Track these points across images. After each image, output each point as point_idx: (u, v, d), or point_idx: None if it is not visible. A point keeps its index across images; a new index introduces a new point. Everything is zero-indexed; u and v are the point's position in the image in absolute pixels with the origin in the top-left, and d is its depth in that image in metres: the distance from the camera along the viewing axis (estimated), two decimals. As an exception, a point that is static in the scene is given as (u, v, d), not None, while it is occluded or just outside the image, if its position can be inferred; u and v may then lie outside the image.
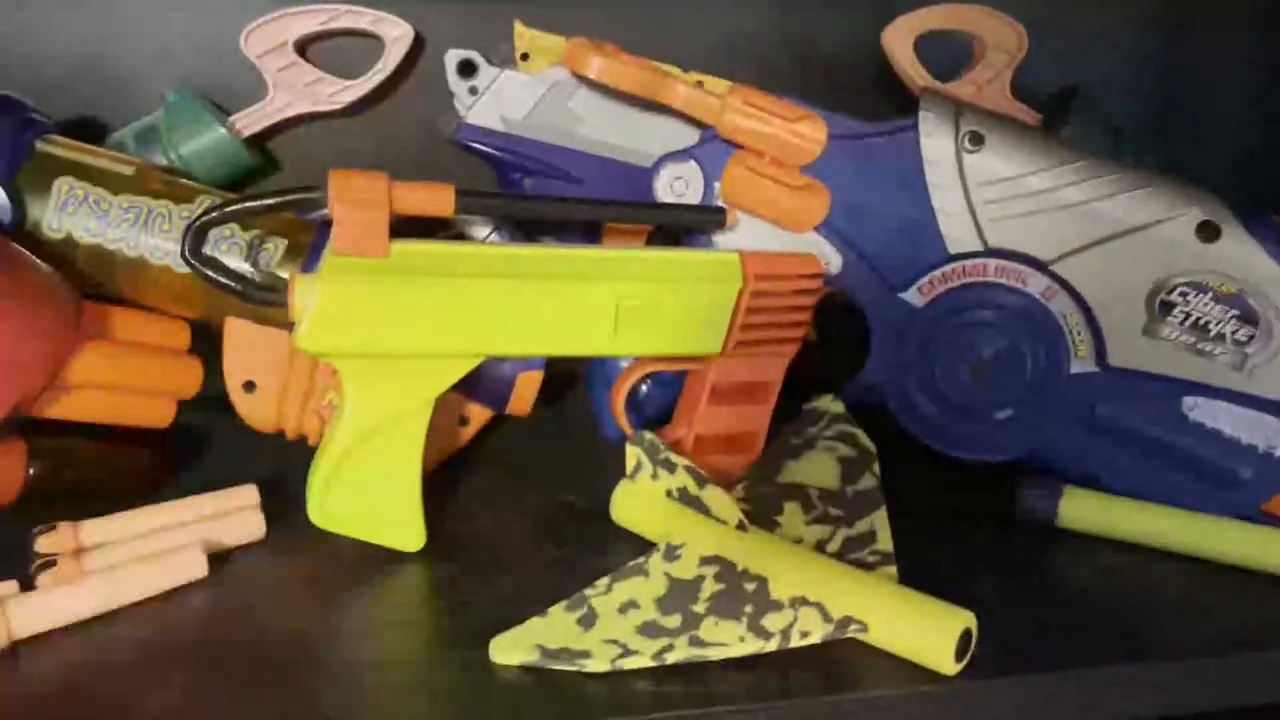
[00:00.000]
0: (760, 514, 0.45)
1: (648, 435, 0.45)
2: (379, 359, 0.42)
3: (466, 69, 0.57)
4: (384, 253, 0.42)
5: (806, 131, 0.48)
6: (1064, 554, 0.46)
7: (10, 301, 0.42)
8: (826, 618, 0.37)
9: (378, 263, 0.42)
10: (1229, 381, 0.46)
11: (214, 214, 0.41)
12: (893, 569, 0.42)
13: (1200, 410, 0.47)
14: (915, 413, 0.51)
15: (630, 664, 0.36)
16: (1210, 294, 0.46)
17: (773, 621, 0.37)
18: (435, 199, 0.43)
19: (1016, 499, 0.48)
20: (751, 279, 0.46)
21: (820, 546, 0.43)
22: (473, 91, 0.57)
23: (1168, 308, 0.46)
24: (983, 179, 0.47)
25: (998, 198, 0.47)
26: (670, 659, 0.36)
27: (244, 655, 0.38)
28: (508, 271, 0.43)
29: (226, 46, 0.58)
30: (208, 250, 0.48)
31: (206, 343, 0.51)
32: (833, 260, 0.50)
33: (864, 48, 0.64)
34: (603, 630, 0.38)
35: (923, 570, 0.44)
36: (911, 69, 0.57)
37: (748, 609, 0.38)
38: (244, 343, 0.49)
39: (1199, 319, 0.46)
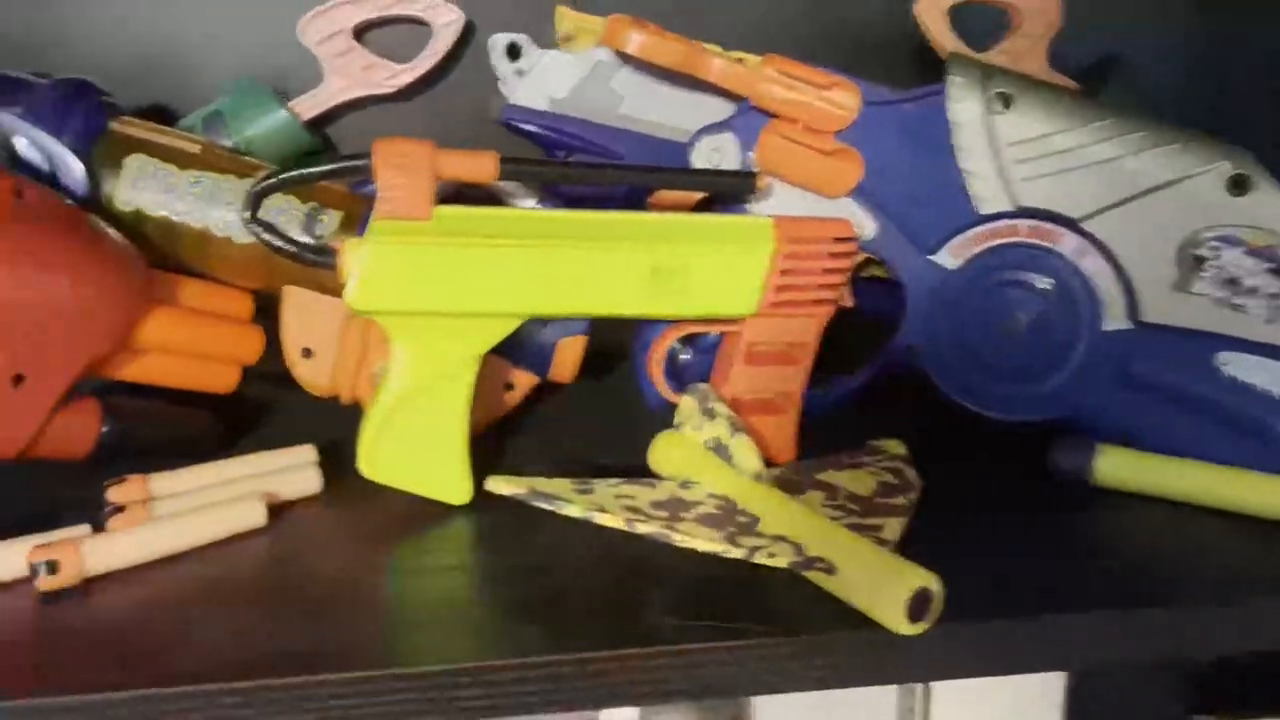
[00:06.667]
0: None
1: (702, 386, 0.47)
2: (424, 317, 0.45)
3: (513, 52, 0.59)
4: (427, 216, 0.44)
5: (839, 98, 0.49)
6: (1097, 510, 0.47)
7: (85, 267, 0.45)
8: (799, 553, 0.39)
9: (421, 225, 0.44)
10: (1262, 335, 0.46)
11: (271, 180, 0.44)
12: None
13: (1233, 365, 0.47)
14: (950, 375, 0.51)
15: (603, 519, 0.40)
16: (1242, 247, 0.46)
17: (746, 540, 0.39)
18: (477, 165, 0.45)
19: (1051, 458, 0.48)
20: (784, 242, 0.47)
21: None
22: (519, 73, 0.59)
23: (1199, 262, 0.47)
24: (1012, 139, 0.48)
25: (1027, 157, 0.48)
26: (640, 529, 0.39)
27: (298, 595, 0.40)
28: (545, 234, 0.45)
29: (285, 35, 0.60)
30: (267, 218, 0.50)
31: (267, 318, 0.54)
32: (866, 225, 0.51)
33: (899, 23, 0.65)
34: (592, 498, 0.41)
35: (954, 529, 0.45)
36: (945, 40, 0.58)
37: (730, 529, 0.40)
38: (302, 310, 0.52)
39: (1231, 273, 0.46)
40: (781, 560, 0.38)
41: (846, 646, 0.37)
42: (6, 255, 0.42)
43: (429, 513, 0.47)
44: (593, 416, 0.60)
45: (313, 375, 0.53)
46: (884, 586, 0.36)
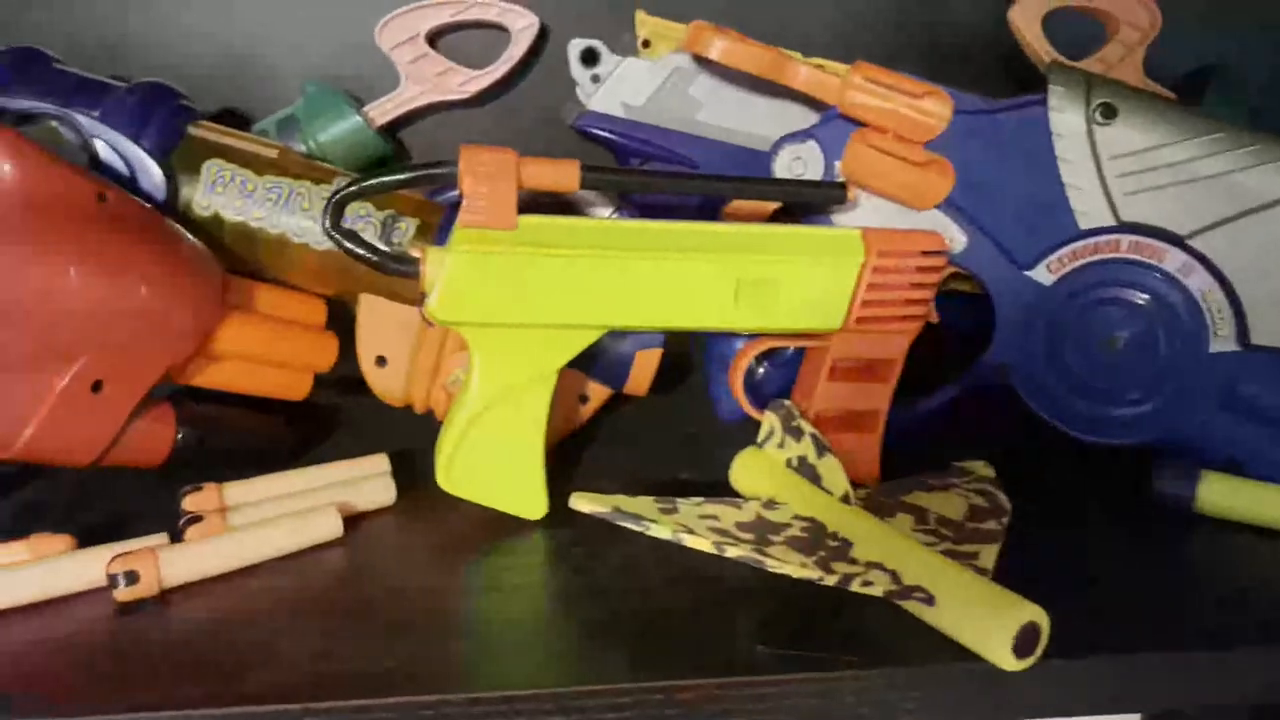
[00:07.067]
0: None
1: (786, 403, 0.46)
2: (505, 328, 0.44)
3: (589, 57, 0.58)
4: (511, 225, 0.43)
5: (931, 107, 0.47)
6: (1200, 540, 0.45)
7: (164, 272, 0.44)
8: (895, 580, 0.37)
9: (505, 235, 0.43)
10: (1382, 360, 0.44)
11: (353, 188, 0.43)
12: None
13: (1350, 391, 0.45)
14: (1044, 394, 0.49)
15: (691, 541, 0.38)
16: (1363, 268, 0.44)
17: (840, 566, 0.38)
18: (561, 173, 0.44)
19: (1152, 484, 0.46)
20: (873, 254, 0.46)
21: None
22: (595, 80, 0.58)
23: (1315, 282, 0.45)
24: (1116, 152, 0.46)
25: (1132, 170, 0.46)
26: (729, 553, 0.38)
27: (375, 612, 0.39)
28: (630, 245, 0.44)
29: (360, 40, 0.60)
30: (345, 225, 0.50)
31: (338, 325, 0.54)
32: (957, 238, 0.49)
33: (986, 29, 0.63)
34: (678, 518, 0.39)
35: (1049, 556, 0.43)
36: (1039, 47, 0.56)
37: (821, 553, 0.39)
38: (377, 318, 0.51)
39: (1350, 294, 0.44)
40: (878, 589, 0.36)
41: (946, 680, 0.36)
42: (90, 260, 0.42)
43: (503, 527, 0.46)
44: (661, 429, 0.59)
45: (387, 384, 0.52)
46: (989, 621, 0.35)
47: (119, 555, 0.39)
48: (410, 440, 0.53)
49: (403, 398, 0.53)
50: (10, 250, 0.40)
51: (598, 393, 0.54)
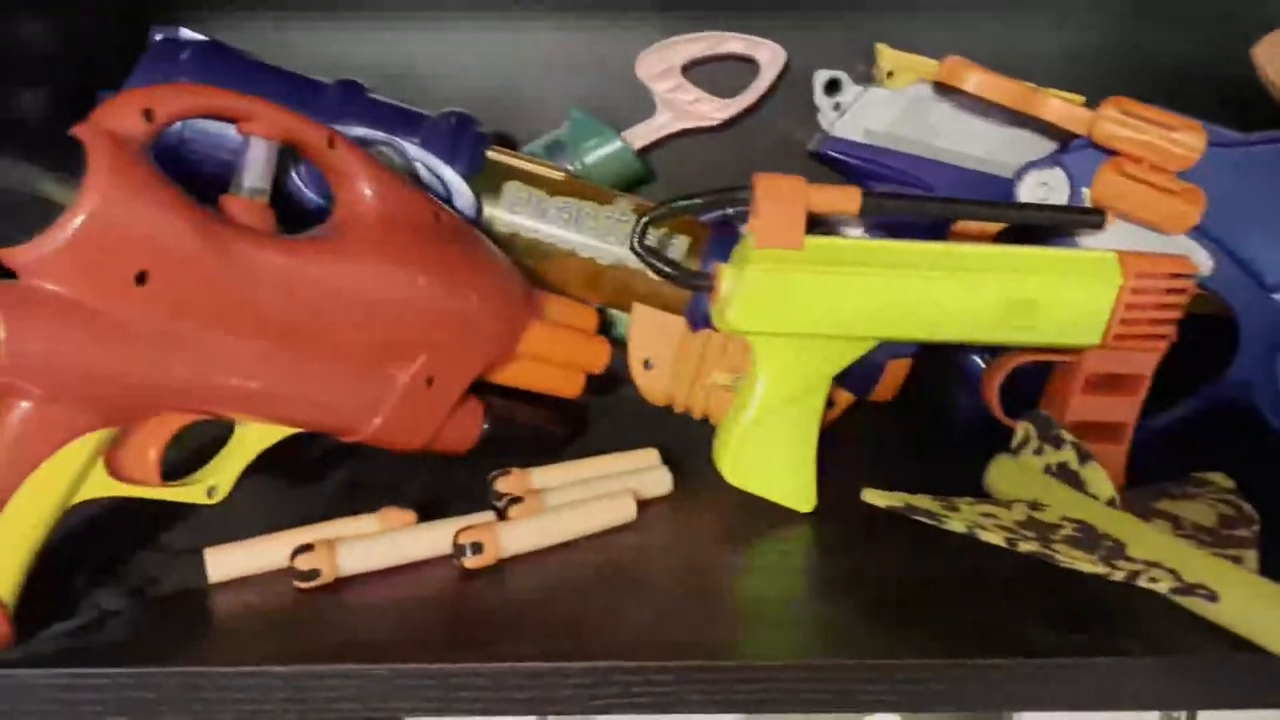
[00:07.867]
0: None
1: (1042, 413, 0.49)
2: (790, 338, 0.48)
3: (832, 87, 0.63)
4: (798, 245, 0.48)
5: (1185, 139, 0.50)
6: None
7: (488, 283, 0.50)
8: (1178, 579, 0.40)
9: (793, 254, 0.48)
10: None
11: (661, 210, 0.48)
12: None
13: None
14: (1286, 412, 0.52)
15: (985, 536, 0.41)
16: None
17: (1123, 564, 0.41)
18: (844, 198, 0.48)
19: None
20: (1130, 276, 0.49)
21: None
22: (837, 108, 0.63)
23: None
24: (1374, 183, 0.48)
25: (1390, 201, 0.48)
26: (1021, 548, 0.41)
27: (667, 583, 0.44)
28: (905, 263, 0.48)
29: (616, 71, 0.65)
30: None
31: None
32: (1204, 262, 0.52)
33: (1202, 63, 0.66)
34: (963, 515, 0.43)
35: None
36: (1280, 81, 0.58)
37: (1101, 553, 0.42)
38: (646, 325, 0.57)
39: None
40: (1162, 585, 0.40)
41: (1230, 669, 0.39)
42: (432, 271, 0.48)
43: (773, 516, 0.50)
44: (891, 433, 0.63)
45: (652, 385, 0.57)
46: (1278, 614, 0.38)
47: (466, 528, 0.45)
48: (662, 436, 0.57)
49: (664, 398, 0.58)
50: (370, 261, 0.46)
51: (843, 399, 0.58)
